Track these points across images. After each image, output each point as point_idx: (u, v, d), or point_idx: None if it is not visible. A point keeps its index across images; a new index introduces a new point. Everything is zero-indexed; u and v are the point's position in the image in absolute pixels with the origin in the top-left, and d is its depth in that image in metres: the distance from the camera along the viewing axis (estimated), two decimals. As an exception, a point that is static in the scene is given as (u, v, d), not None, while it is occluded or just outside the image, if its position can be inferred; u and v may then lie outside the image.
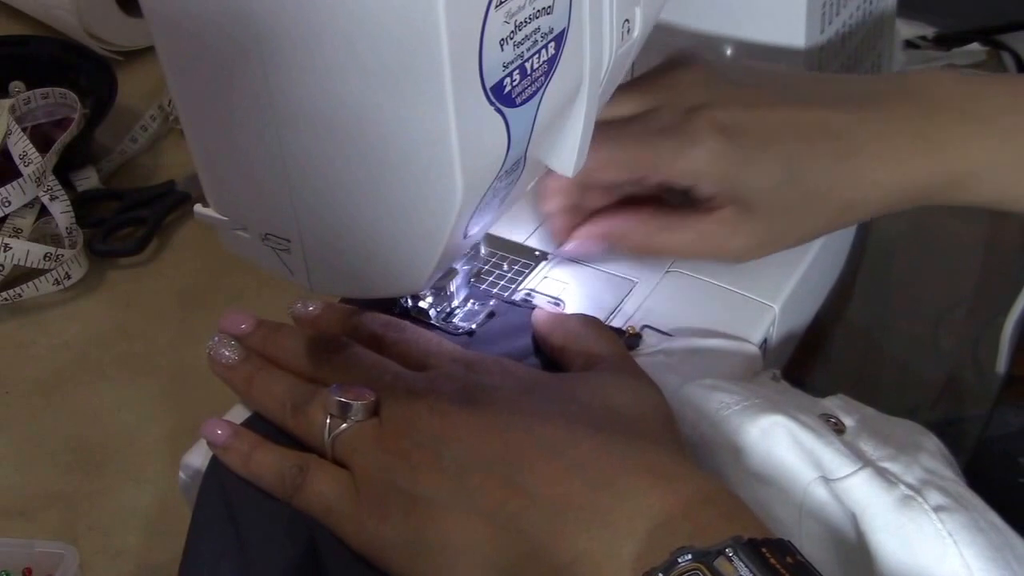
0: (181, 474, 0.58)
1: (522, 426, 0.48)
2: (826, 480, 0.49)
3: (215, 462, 0.54)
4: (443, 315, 0.60)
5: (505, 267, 0.64)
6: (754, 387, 0.54)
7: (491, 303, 0.61)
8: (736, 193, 0.59)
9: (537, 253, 0.65)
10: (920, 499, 0.48)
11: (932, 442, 0.54)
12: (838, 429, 0.52)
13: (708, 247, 0.61)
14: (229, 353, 0.57)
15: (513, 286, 0.63)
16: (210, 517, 0.53)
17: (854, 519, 0.48)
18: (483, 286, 0.62)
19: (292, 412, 0.54)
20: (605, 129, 0.57)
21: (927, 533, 0.47)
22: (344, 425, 0.51)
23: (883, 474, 0.49)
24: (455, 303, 0.61)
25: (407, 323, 0.58)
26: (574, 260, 0.65)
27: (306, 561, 0.50)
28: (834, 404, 0.55)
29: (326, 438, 0.52)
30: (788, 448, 0.50)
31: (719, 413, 0.52)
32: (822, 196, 0.60)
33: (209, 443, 0.54)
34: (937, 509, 0.48)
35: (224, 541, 0.52)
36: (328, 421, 0.52)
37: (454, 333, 0.60)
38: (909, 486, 0.49)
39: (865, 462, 0.49)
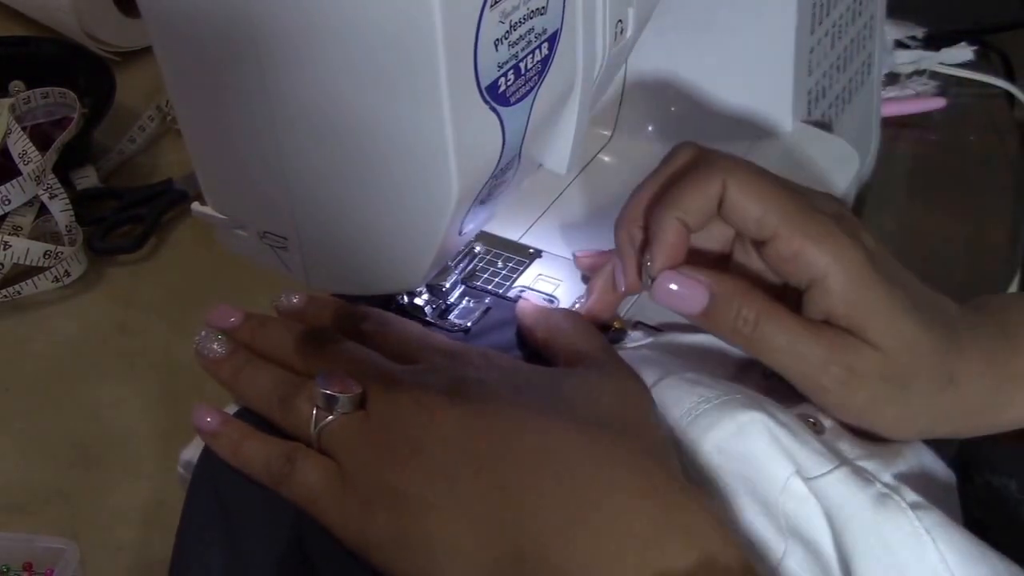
0: (180, 469, 0.58)
1: (509, 424, 0.48)
2: (804, 480, 0.49)
3: (206, 452, 0.54)
4: (439, 312, 0.61)
5: (500, 264, 0.64)
6: (735, 384, 0.54)
7: (486, 300, 0.62)
8: (864, 318, 0.50)
9: (531, 251, 0.65)
10: (897, 497, 0.48)
11: (913, 449, 0.54)
12: (817, 430, 0.52)
13: (817, 377, 0.52)
14: (217, 347, 0.56)
15: (508, 283, 0.63)
16: (200, 506, 0.53)
17: (830, 517, 0.48)
18: (478, 283, 0.63)
19: (279, 404, 0.53)
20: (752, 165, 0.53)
21: (904, 531, 0.47)
22: (330, 417, 0.51)
23: (859, 473, 0.49)
24: (451, 300, 0.61)
25: (393, 315, 0.58)
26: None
27: (293, 549, 0.51)
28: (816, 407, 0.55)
29: (312, 430, 0.51)
30: (766, 445, 0.49)
31: (699, 407, 0.51)
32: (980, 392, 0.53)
33: (198, 430, 0.54)
34: (914, 506, 0.48)
35: (214, 530, 0.52)
36: (314, 413, 0.51)
37: (450, 330, 0.60)
38: (886, 484, 0.49)
39: (842, 461, 0.49)
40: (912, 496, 0.48)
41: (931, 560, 0.47)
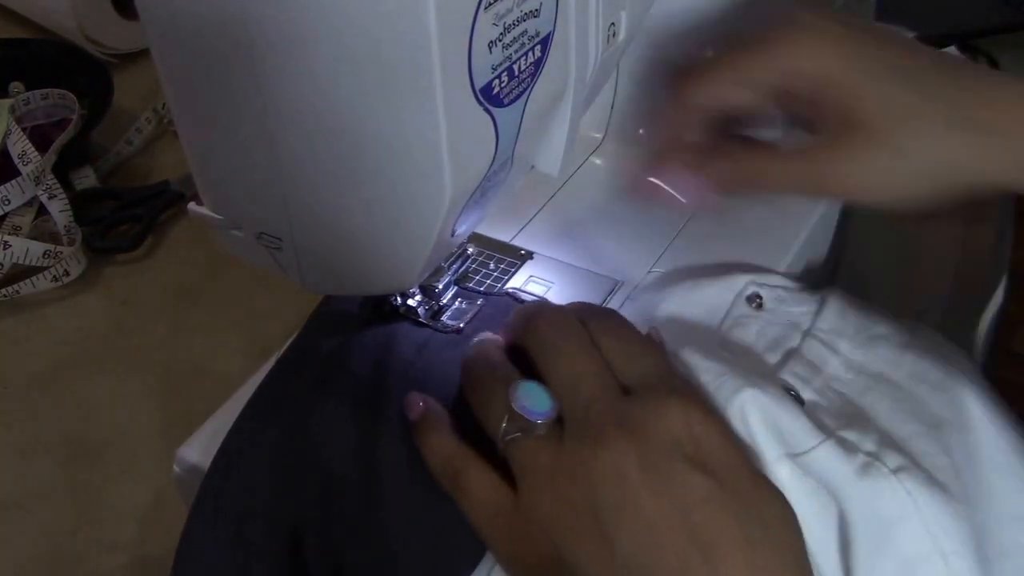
0: (175, 467, 0.58)
1: (721, 542, 0.44)
2: (791, 457, 0.50)
3: (221, 449, 0.55)
4: (431, 313, 0.61)
5: (491, 266, 0.65)
6: (724, 355, 0.54)
7: (479, 301, 0.62)
8: (864, 108, 0.52)
9: (523, 252, 0.66)
10: (879, 463, 0.50)
11: (885, 412, 0.54)
12: (798, 401, 0.53)
13: (824, 176, 0.53)
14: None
15: (499, 285, 0.63)
16: (210, 502, 0.53)
17: (819, 492, 0.50)
18: (470, 284, 0.63)
19: (479, 391, 0.51)
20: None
21: (888, 494, 0.49)
22: (518, 434, 0.48)
23: (843, 443, 0.50)
24: (443, 301, 0.62)
25: (630, 330, 0.54)
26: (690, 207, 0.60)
27: (294, 550, 0.51)
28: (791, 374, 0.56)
29: (499, 438, 0.49)
30: (758, 425, 0.50)
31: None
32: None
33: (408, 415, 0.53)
34: (897, 470, 0.49)
35: (221, 527, 0.52)
36: (504, 423, 0.48)
37: (443, 331, 0.60)
38: (868, 453, 0.50)
39: (827, 434, 0.51)
40: (895, 460, 0.50)
41: (913, 520, 0.49)
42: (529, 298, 0.62)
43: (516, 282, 0.64)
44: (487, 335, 0.56)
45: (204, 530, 0.53)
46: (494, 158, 0.49)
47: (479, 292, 0.63)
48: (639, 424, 0.46)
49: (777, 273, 0.62)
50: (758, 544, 0.44)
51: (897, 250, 0.65)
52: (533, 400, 0.48)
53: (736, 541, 0.44)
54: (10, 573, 0.63)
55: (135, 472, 0.68)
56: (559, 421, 0.48)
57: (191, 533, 0.53)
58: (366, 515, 0.51)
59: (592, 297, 0.63)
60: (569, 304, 0.57)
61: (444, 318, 0.61)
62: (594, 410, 0.47)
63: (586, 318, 0.53)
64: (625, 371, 0.50)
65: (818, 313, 0.58)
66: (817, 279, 0.72)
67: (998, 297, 0.94)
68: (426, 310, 0.61)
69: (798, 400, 0.53)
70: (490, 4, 0.43)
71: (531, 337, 0.52)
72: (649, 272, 0.64)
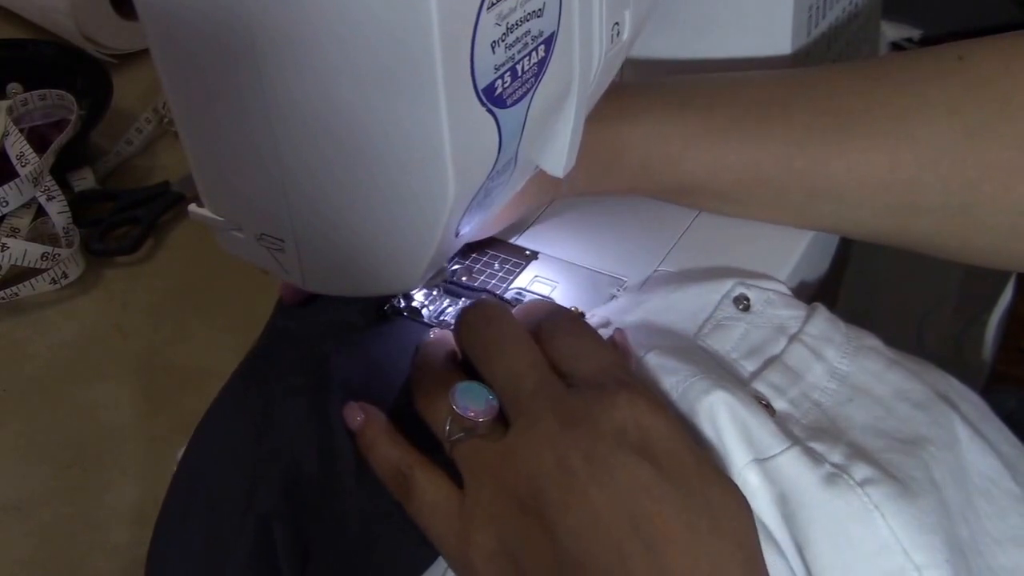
0: (176, 469, 0.58)
1: (663, 531, 0.44)
2: (758, 462, 0.50)
3: (192, 441, 0.55)
4: (435, 313, 0.61)
5: (496, 266, 0.65)
6: (695, 356, 0.54)
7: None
8: None
9: (528, 252, 0.66)
10: (846, 475, 0.49)
11: (856, 427, 0.54)
12: (768, 412, 0.53)
13: None
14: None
15: (504, 285, 0.63)
16: (183, 493, 0.54)
17: (784, 498, 0.49)
18: (475, 285, 0.63)
19: (423, 392, 0.52)
20: None
21: (854, 507, 0.48)
22: (462, 434, 0.49)
23: (810, 453, 0.50)
24: (447, 301, 0.62)
25: (586, 329, 0.54)
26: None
27: (263, 540, 0.51)
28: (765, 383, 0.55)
29: (444, 438, 0.50)
30: (726, 426, 0.50)
31: (668, 396, 0.52)
32: None
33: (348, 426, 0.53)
34: (864, 483, 0.49)
35: (194, 517, 0.53)
36: (448, 424, 0.49)
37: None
38: (834, 464, 0.50)
39: (794, 440, 0.50)
40: (863, 472, 0.49)
41: (881, 533, 0.48)
42: (533, 298, 0.62)
43: (521, 282, 0.64)
44: (437, 331, 0.57)
45: (177, 523, 0.53)
46: (497, 159, 0.48)
47: (482, 292, 0.62)
48: (583, 415, 0.46)
49: (773, 279, 0.61)
50: (703, 533, 0.43)
51: (904, 250, 0.65)
52: (470, 399, 0.49)
53: (678, 530, 0.43)
54: (9, 576, 0.63)
55: (135, 475, 0.68)
56: (503, 419, 0.49)
57: (164, 526, 0.53)
58: (328, 507, 0.52)
59: (597, 296, 0.63)
60: (528, 302, 0.59)
61: (447, 318, 0.61)
62: (536, 404, 0.48)
63: (541, 317, 0.54)
64: (573, 368, 0.50)
65: (808, 318, 0.58)
66: (826, 276, 0.72)
67: (1007, 295, 0.94)
68: (429, 310, 0.61)
69: (770, 409, 0.53)
70: (493, 4, 0.43)
71: (468, 336, 0.53)
72: (655, 271, 0.64)
